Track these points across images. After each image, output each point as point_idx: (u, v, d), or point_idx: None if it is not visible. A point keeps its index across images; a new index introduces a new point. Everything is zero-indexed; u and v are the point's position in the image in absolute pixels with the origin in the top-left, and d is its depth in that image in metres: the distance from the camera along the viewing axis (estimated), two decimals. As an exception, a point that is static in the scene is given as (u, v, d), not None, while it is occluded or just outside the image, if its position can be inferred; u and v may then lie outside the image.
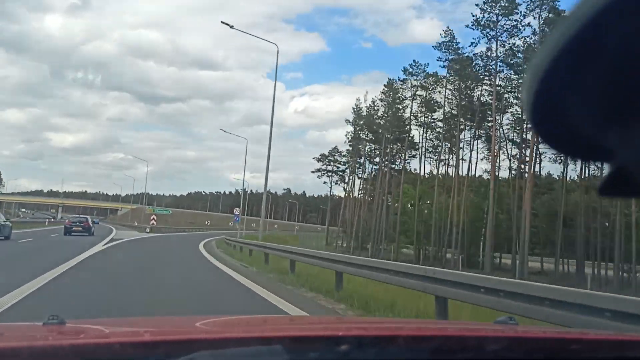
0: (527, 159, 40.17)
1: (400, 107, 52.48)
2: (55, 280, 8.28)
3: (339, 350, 1.01)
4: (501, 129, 43.07)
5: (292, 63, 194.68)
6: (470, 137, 46.66)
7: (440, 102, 47.87)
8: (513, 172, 43.58)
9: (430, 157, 51.37)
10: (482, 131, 45.64)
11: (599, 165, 26.46)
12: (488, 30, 40.74)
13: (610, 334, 1.67)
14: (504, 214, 42.61)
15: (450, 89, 46.38)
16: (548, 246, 41.37)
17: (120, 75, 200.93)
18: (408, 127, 51.67)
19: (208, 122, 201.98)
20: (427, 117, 50.38)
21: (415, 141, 52.57)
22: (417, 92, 49.85)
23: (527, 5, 39.02)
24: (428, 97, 49.13)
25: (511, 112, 42.53)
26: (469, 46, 60.29)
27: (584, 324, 3.30)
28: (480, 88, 44.44)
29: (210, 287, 9.75)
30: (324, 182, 69.16)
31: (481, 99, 44.16)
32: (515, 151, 43.83)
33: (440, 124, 49.04)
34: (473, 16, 40.91)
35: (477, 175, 48.85)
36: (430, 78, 48.49)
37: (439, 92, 47.93)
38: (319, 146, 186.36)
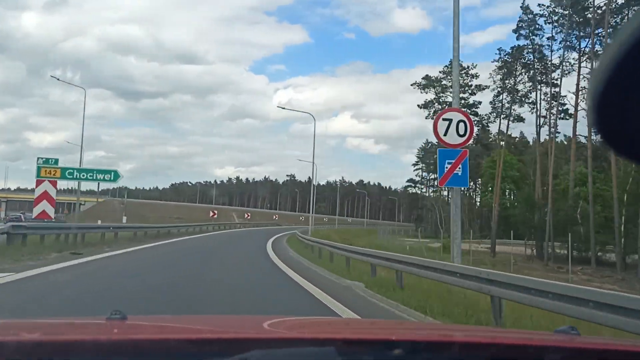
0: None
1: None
2: None
3: (392, 354, 1.01)
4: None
5: (276, 55, 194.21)
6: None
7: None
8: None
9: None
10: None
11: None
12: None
13: None
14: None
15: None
16: None
17: (100, 72, 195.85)
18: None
19: (191, 117, 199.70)
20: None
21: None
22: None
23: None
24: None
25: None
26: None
27: None
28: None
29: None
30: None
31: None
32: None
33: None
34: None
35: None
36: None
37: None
38: (303, 139, 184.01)
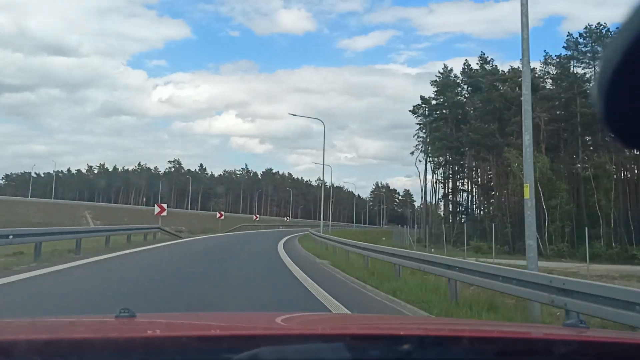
0: None
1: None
2: None
3: (400, 349, 1.01)
4: None
5: (156, 50, 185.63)
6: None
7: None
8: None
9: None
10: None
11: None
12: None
13: None
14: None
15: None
16: None
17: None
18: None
19: (60, 112, 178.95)
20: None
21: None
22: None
23: None
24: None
25: None
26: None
27: None
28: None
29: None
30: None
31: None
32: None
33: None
34: None
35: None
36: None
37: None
38: (185, 137, 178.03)
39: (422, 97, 59.25)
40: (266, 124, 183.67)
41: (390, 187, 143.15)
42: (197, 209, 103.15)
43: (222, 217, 39.41)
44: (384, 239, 40.94)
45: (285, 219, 70.04)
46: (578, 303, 4.70)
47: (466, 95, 52.43)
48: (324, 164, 37.79)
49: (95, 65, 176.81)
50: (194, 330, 1.32)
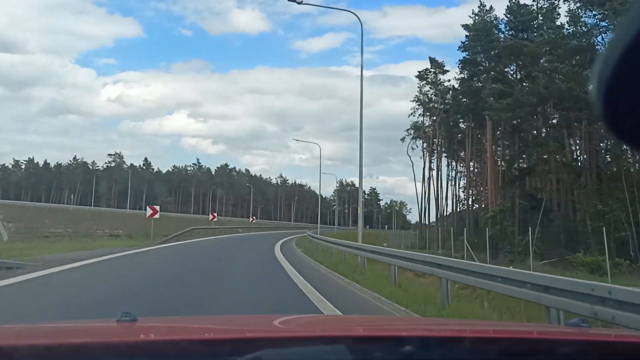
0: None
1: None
2: None
3: (403, 350, 1.01)
4: None
5: (105, 48, 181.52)
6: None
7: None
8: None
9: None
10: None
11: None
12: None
13: None
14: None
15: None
16: None
17: None
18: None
19: (3, 111, 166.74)
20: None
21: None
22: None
23: None
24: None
25: None
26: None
27: None
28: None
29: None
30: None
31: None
32: None
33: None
34: None
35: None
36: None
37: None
38: (134, 137, 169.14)
39: (431, 59, 49.63)
40: (219, 124, 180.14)
41: (356, 185, 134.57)
42: (141, 209, 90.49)
43: (156, 216, 23.57)
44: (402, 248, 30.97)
45: (252, 219, 56.23)
46: (632, 317, 4.03)
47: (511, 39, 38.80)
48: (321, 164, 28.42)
49: (42, 63, 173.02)
50: (195, 334, 1.33)
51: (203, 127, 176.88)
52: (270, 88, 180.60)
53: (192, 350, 1.04)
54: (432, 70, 49.56)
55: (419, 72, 50.43)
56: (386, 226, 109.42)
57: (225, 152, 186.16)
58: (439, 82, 49.27)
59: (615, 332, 2.01)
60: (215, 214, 46.06)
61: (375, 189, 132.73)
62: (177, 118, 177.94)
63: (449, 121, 47.32)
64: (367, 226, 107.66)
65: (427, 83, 50.00)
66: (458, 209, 52.64)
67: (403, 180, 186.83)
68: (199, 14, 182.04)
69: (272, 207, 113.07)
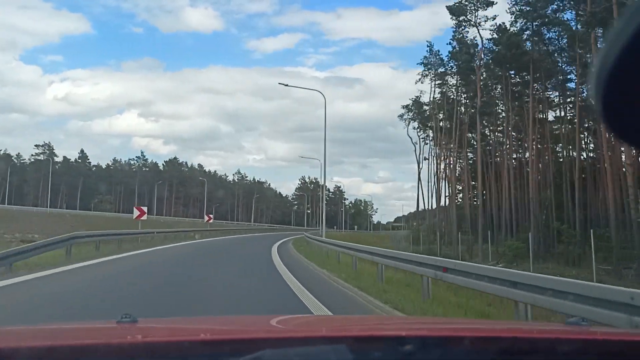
0: None
1: None
2: None
3: (403, 350, 1.01)
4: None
5: (51, 45, 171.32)
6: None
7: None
8: None
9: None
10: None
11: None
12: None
13: None
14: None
15: None
16: None
17: None
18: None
19: None
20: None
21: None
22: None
23: None
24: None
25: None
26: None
27: None
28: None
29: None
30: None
31: None
32: None
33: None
34: None
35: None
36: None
37: None
38: (82, 137, 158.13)
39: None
40: (171, 124, 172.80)
41: (320, 183, 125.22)
42: (74, 208, 77.44)
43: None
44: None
45: (207, 218, 40.42)
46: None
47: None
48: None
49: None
50: (196, 335, 1.32)
51: (155, 127, 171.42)
52: (224, 88, 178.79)
53: (192, 350, 1.04)
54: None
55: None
56: (355, 227, 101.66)
57: (177, 153, 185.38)
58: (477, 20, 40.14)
59: (615, 331, 2.06)
60: (212, 215, 38.71)
61: (340, 187, 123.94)
62: (127, 117, 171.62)
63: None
64: (335, 227, 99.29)
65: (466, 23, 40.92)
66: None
67: (357, 181, 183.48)
68: (150, 11, 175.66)
69: (229, 206, 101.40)
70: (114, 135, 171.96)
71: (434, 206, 52.65)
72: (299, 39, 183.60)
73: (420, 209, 62.23)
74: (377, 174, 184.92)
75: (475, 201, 42.53)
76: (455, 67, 44.67)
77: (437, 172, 51.68)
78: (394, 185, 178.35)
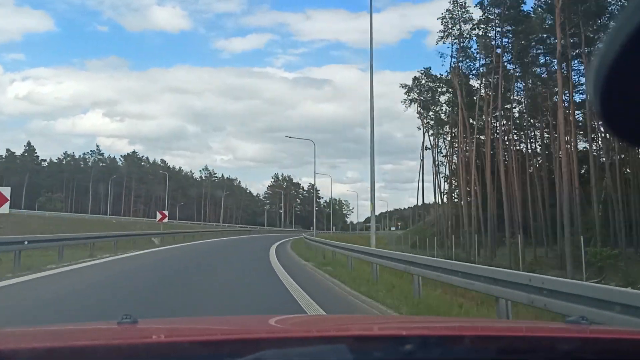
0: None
1: None
2: None
3: (403, 349, 1.01)
4: None
5: (13, 42, 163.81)
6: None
7: None
8: None
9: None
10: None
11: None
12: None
13: None
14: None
15: None
16: None
17: None
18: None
19: None
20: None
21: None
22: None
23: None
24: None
25: None
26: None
27: None
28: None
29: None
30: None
31: None
32: None
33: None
34: None
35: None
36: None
37: None
38: (45, 137, 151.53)
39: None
40: (137, 124, 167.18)
41: (294, 181, 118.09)
42: (21, 208, 68.14)
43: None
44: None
45: (160, 218, 30.48)
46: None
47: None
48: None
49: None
50: (196, 335, 1.32)
51: (120, 127, 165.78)
52: (191, 87, 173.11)
53: (193, 351, 1.04)
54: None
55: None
56: (334, 227, 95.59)
57: (143, 153, 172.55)
58: None
59: (615, 330, 2.03)
60: (166, 213, 32.68)
61: (314, 185, 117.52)
62: (91, 117, 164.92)
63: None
64: (311, 227, 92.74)
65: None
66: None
67: (326, 182, 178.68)
68: (116, 9, 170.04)
69: (195, 205, 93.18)
70: (77, 135, 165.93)
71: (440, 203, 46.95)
72: (268, 40, 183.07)
73: (419, 205, 57.23)
74: (345, 174, 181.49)
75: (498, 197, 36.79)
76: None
77: (450, 164, 46.33)
78: (362, 186, 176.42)
